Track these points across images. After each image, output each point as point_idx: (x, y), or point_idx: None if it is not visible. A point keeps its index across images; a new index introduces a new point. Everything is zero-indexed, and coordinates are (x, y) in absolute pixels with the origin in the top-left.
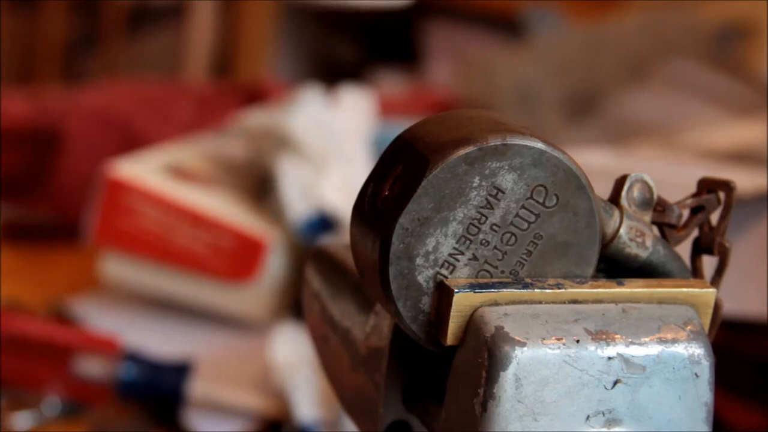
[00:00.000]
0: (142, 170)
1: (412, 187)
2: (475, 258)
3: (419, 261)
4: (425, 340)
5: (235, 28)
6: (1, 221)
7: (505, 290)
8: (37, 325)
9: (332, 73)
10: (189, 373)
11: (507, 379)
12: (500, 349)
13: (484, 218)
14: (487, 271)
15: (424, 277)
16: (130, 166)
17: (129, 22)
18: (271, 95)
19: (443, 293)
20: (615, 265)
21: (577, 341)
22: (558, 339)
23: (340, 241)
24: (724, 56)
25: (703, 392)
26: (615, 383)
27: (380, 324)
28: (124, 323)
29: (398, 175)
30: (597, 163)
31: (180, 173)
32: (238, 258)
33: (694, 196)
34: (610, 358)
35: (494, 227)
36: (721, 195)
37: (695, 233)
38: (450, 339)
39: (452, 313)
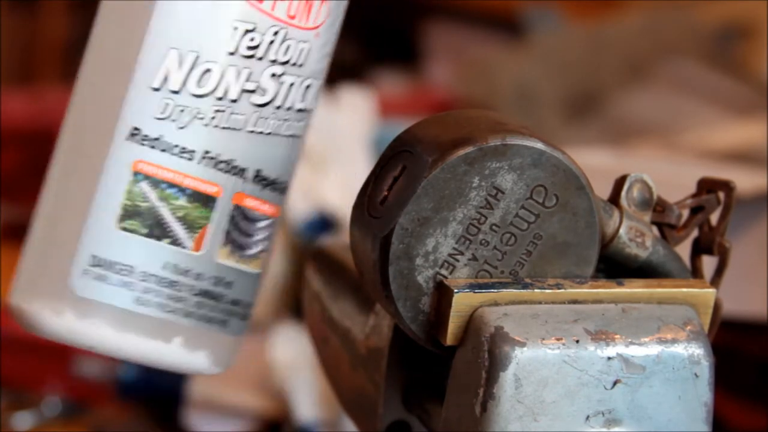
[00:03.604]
0: None
1: (412, 187)
2: (474, 258)
3: (419, 261)
4: (425, 340)
5: None
6: (1, 221)
7: (504, 290)
8: None
9: (332, 73)
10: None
11: (507, 379)
12: (500, 349)
13: (483, 218)
14: (487, 272)
15: (423, 277)
16: None
17: None
18: None
19: (443, 293)
20: (615, 265)
21: (577, 341)
22: (558, 339)
23: (340, 241)
24: (724, 56)
25: (702, 392)
26: (615, 383)
27: (380, 324)
28: None
29: (398, 175)
30: (597, 163)
31: None
32: None
33: (694, 196)
34: (609, 358)
35: (494, 227)
36: (721, 195)
37: (695, 233)
38: (450, 339)
39: (452, 313)
